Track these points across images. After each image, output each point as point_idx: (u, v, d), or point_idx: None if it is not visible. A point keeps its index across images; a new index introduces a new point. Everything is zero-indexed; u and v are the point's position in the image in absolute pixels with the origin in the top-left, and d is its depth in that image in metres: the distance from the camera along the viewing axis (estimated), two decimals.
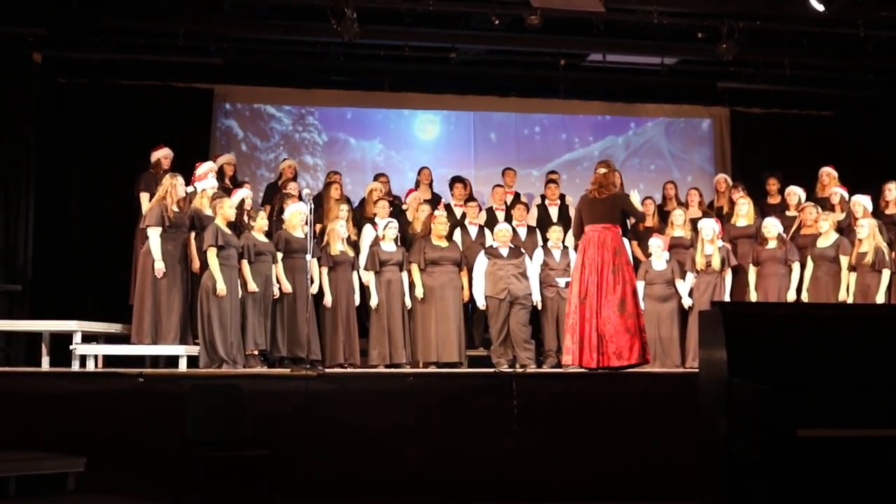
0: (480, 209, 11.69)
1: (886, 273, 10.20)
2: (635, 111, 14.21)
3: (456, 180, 12.09)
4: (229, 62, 12.65)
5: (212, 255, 9.22)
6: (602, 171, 9.00)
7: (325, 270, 10.20)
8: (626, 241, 9.56)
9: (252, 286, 9.54)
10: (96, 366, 9.56)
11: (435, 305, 10.49)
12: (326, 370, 8.61)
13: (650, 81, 13.55)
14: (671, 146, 14.21)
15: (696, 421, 5.37)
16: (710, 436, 5.12)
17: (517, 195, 12.36)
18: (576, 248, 9.32)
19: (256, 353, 9.64)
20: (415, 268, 10.56)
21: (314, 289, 9.97)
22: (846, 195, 11.08)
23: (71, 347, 9.28)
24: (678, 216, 11.17)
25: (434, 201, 11.61)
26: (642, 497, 7.39)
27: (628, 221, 9.33)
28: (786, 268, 10.57)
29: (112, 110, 12.51)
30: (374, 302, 10.34)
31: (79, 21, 11.66)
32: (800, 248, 10.67)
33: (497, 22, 11.55)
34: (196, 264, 9.60)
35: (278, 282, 9.89)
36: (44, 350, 9.56)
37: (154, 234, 9.35)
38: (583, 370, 8.63)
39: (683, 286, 10.62)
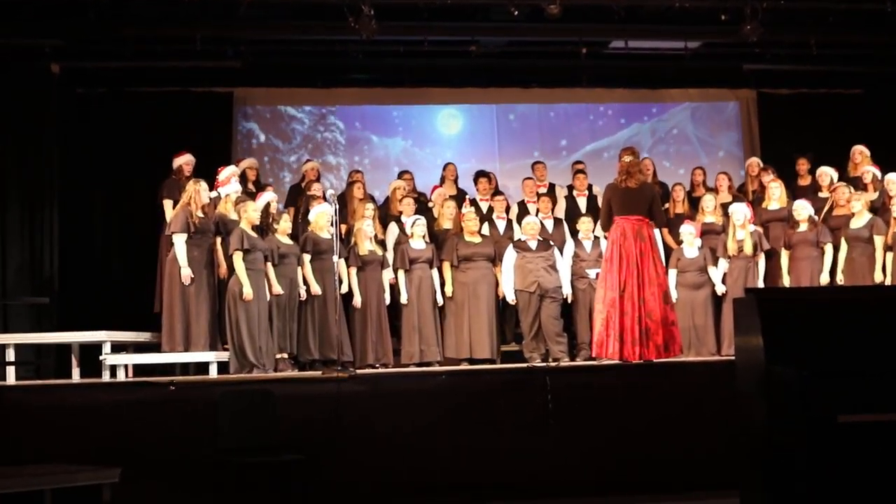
0: (507, 203, 11.67)
1: None
2: (660, 97, 14.15)
3: (480, 175, 12.06)
4: (248, 65, 12.68)
5: (238, 259, 9.24)
6: (627, 158, 8.95)
7: (353, 271, 10.20)
8: (656, 230, 9.51)
9: (277, 289, 9.57)
10: (127, 375, 9.60)
11: (468, 302, 10.48)
12: (358, 371, 8.61)
13: (674, 66, 13.49)
14: (698, 131, 14.14)
15: (734, 410, 5.34)
16: (749, 424, 5.09)
17: (552, 187, 12.32)
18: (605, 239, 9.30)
19: (286, 356, 9.66)
20: (446, 266, 10.56)
21: (343, 289, 9.99)
22: (879, 173, 10.99)
23: (101, 358, 9.32)
24: (708, 202, 11.11)
25: (459, 197, 11.59)
26: (683, 488, 7.37)
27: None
28: (818, 250, 10.50)
29: (132, 118, 12.56)
30: (404, 299, 10.35)
31: (95, 30, 11.69)
32: (833, 230, 10.59)
33: (516, 13, 11.52)
34: (223, 269, 9.64)
35: (305, 284, 9.91)
36: (74, 362, 9.62)
37: (180, 241, 9.39)
38: (616, 362, 8.59)
39: (716, 273, 10.57)
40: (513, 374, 8.18)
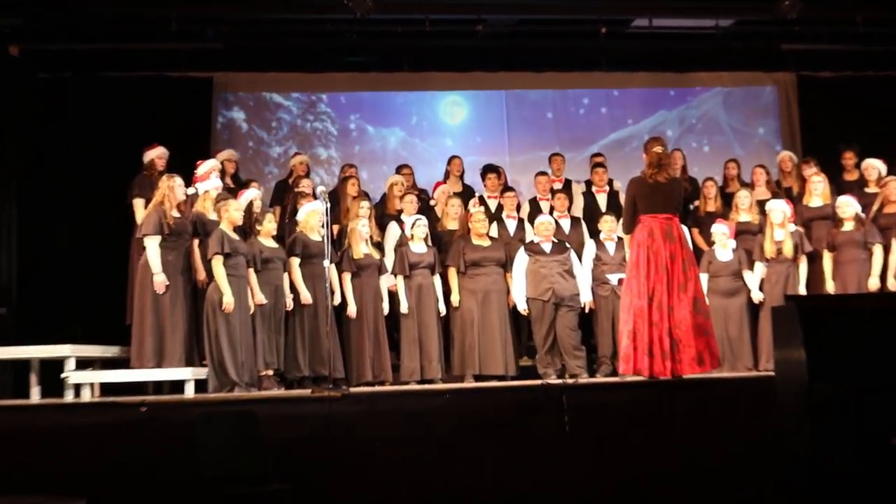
0: (518, 201, 11.66)
1: None
2: (689, 81, 14.14)
3: (489, 169, 12.05)
4: (229, 47, 12.67)
5: (217, 264, 9.22)
6: (657, 149, 8.87)
7: (347, 277, 10.17)
8: (685, 229, 9.50)
9: (259, 297, 9.55)
10: (93, 395, 9.56)
11: (478, 311, 10.47)
12: (352, 389, 8.59)
13: (704, 47, 13.47)
14: (731, 119, 14.12)
15: (774, 431, 5.32)
16: (792, 447, 5.06)
17: (567, 183, 12.31)
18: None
19: (271, 373, 9.64)
20: (452, 272, 10.56)
21: (336, 298, 9.98)
22: None
23: (63, 376, 9.27)
24: (743, 198, 11.09)
25: (466, 194, 11.58)
26: None
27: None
28: (866, 252, 10.48)
29: (100, 106, 12.55)
30: (404, 308, 10.34)
31: (59, 8, 11.69)
32: (882, 230, 10.57)
33: None
34: (201, 275, 9.62)
35: (293, 291, 9.89)
36: (33, 380, 9.57)
37: (152, 244, 9.37)
38: (642, 379, 8.56)
39: (752, 278, 10.54)
40: (525, 392, 8.16)
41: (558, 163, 12.37)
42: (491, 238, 10.80)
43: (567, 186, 12.15)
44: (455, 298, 10.50)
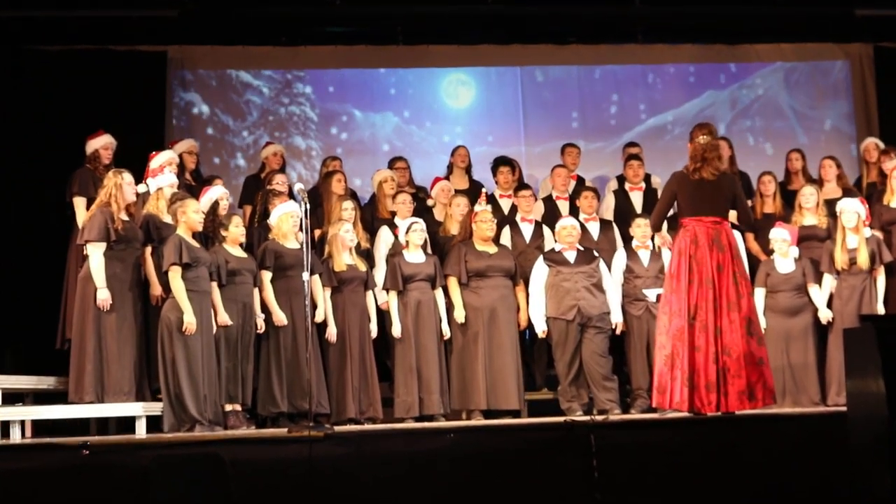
0: (536, 200, 11.68)
1: None
2: (742, 55, 14.17)
3: (501, 162, 12.06)
4: (187, 14, 12.70)
5: (175, 276, 9.22)
6: (703, 138, 8.87)
7: (328, 292, 10.21)
8: (737, 234, 9.49)
9: (223, 317, 9.57)
10: (24, 435, 9.58)
11: (482, 333, 10.49)
12: (336, 428, 8.60)
13: (761, 13, 13.50)
14: (794, 101, 14.15)
15: (846, 477, 5.33)
16: (867, 494, 5.08)
17: (580, 180, 12.34)
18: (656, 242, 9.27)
19: (239, 408, 9.66)
20: (453, 282, 10.58)
21: (318, 317, 10.00)
22: None
23: None
24: (809, 197, 11.09)
25: (473, 192, 11.58)
26: None
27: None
28: None
29: (32, 86, 12.55)
30: (396, 331, 10.36)
31: None
32: None
33: None
34: (155, 290, 9.63)
35: (265, 310, 9.91)
36: None
37: (96, 253, 9.37)
38: (682, 415, 8.57)
39: (819, 294, 10.57)
40: (545, 431, 8.19)
41: (572, 155, 12.38)
42: (497, 243, 10.82)
43: (581, 183, 12.16)
44: (459, 314, 10.52)
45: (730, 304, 8.59)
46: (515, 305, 10.72)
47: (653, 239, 10.74)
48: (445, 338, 10.54)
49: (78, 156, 10.90)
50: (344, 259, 10.30)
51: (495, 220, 10.87)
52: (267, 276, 9.97)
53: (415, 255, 10.55)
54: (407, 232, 10.61)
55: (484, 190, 11.45)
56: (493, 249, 10.71)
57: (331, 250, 10.33)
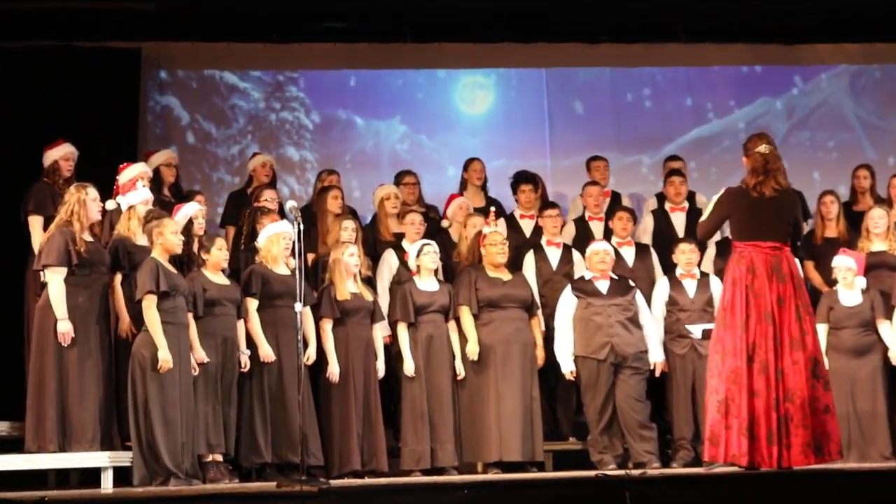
0: (564, 220, 11.66)
1: None
2: (801, 57, 14.17)
3: (522, 179, 12.04)
4: (164, 5, 12.69)
5: (150, 306, 9.16)
6: (763, 149, 8.76)
7: (327, 325, 10.15)
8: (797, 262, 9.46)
9: (199, 354, 9.49)
10: None
11: (495, 372, 10.44)
12: (333, 483, 8.56)
13: (823, 7, 13.46)
14: (860, 109, 14.13)
15: None
16: None
17: (615, 196, 12.31)
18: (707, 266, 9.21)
19: (220, 458, 9.62)
20: (466, 312, 10.52)
21: (311, 354, 9.97)
22: None
23: None
24: (878, 220, 11.06)
25: (490, 210, 11.58)
26: None
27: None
28: None
29: None
30: (409, 369, 10.32)
31: None
32: None
33: None
34: (124, 323, 9.59)
35: (249, 346, 9.87)
36: None
37: (56, 280, 9.31)
38: (737, 469, 8.52)
39: (890, 331, 10.54)
40: (572, 486, 8.14)
41: (600, 169, 12.37)
42: (512, 269, 10.78)
43: (616, 201, 12.13)
44: (472, 350, 10.46)
45: (793, 343, 8.47)
46: (532, 341, 10.67)
47: (700, 266, 10.79)
48: (460, 377, 10.47)
49: (35, 169, 10.86)
50: (348, 287, 10.24)
51: (507, 243, 10.76)
52: (253, 304, 9.91)
53: (427, 283, 10.52)
54: (418, 255, 10.55)
55: (492, 209, 11.39)
56: (506, 276, 10.66)
57: (332, 277, 10.26)
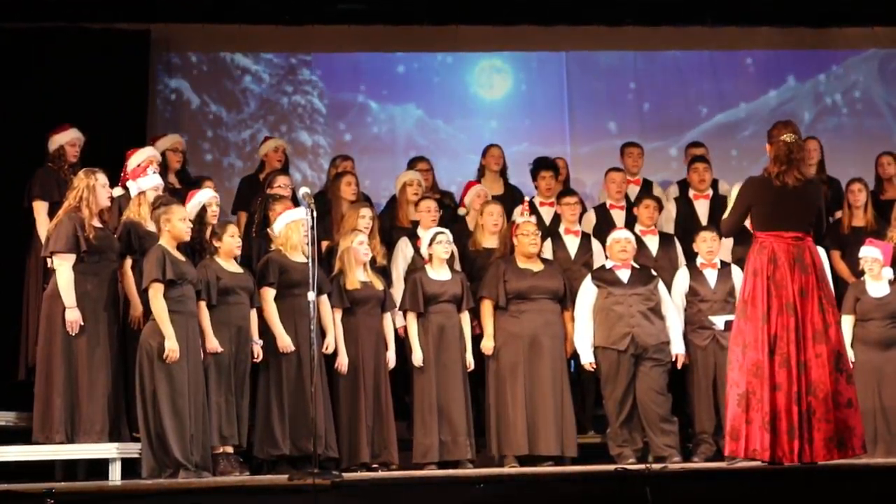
0: (583, 208, 11.67)
1: None
2: (828, 41, 14.19)
3: (542, 165, 12.05)
4: None
5: (156, 295, 9.18)
6: (788, 137, 8.73)
7: (338, 315, 10.20)
8: (821, 252, 9.44)
9: (213, 343, 9.54)
10: None
11: (524, 365, 10.48)
12: (346, 475, 8.58)
13: None
14: (890, 95, 14.11)
15: None
16: None
17: (646, 184, 12.32)
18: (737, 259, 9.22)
19: (231, 451, 9.66)
20: (487, 306, 10.57)
21: (328, 346, 9.98)
22: None
23: None
24: None
25: (509, 199, 11.57)
26: None
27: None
28: None
29: None
30: (417, 359, 10.36)
31: None
32: None
33: None
34: (136, 311, 9.63)
35: (263, 335, 9.91)
36: None
37: (64, 267, 9.35)
38: (758, 464, 8.54)
39: None
40: (591, 481, 8.14)
41: (634, 156, 12.34)
42: (544, 260, 10.80)
43: (647, 189, 12.12)
44: (488, 344, 10.51)
45: (815, 335, 8.46)
46: (562, 333, 10.70)
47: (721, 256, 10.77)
48: (469, 369, 10.50)
49: (40, 153, 10.90)
50: (357, 276, 10.27)
51: (539, 234, 10.80)
52: (270, 293, 9.94)
53: (439, 272, 10.54)
54: (430, 244, 10.56)
55: (526, 198, 11.42)
56: (537, 267, 10.69)
57: (342, 266, 10.30)
